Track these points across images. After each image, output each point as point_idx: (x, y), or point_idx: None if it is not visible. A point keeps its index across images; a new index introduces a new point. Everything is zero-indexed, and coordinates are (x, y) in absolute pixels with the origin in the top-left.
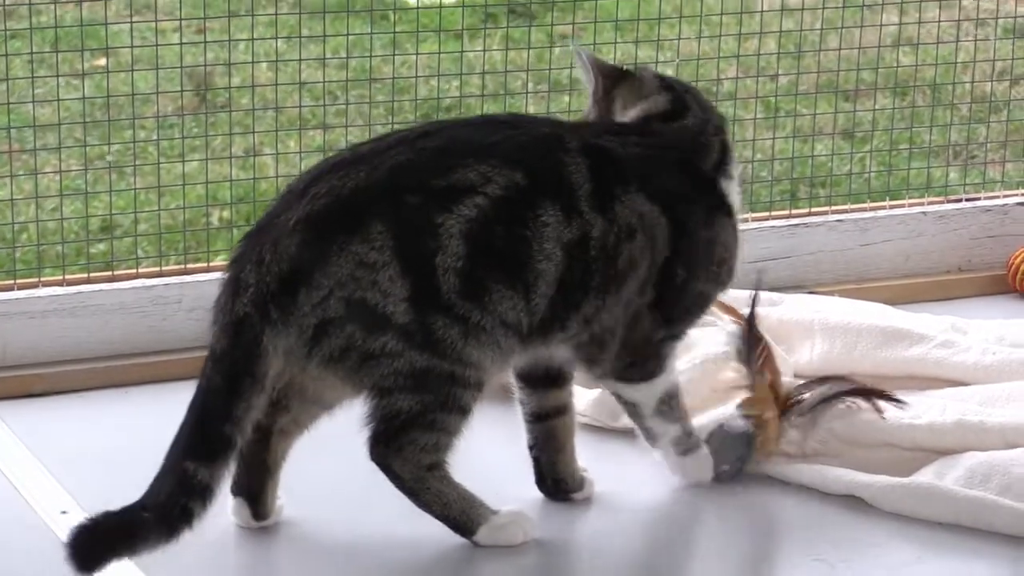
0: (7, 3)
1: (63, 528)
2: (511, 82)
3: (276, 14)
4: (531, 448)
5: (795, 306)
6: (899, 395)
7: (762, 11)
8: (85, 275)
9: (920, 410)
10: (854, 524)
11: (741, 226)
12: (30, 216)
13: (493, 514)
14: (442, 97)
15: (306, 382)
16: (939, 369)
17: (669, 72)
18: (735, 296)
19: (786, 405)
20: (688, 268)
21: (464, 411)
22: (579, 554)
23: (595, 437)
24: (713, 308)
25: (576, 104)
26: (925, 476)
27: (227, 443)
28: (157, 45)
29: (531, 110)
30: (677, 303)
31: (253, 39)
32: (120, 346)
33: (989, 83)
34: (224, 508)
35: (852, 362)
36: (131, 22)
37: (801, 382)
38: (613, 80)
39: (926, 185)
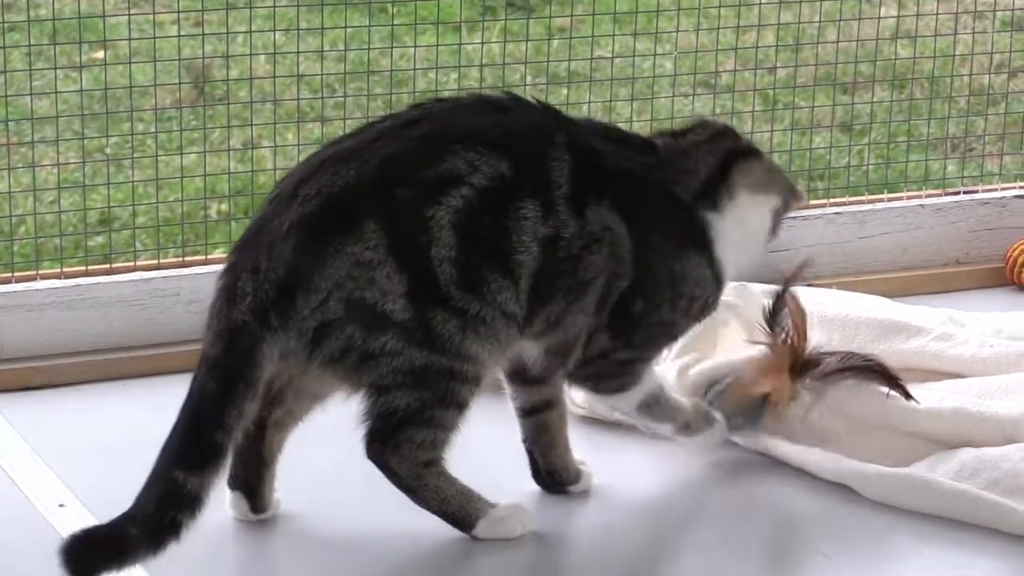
0: None
1: (61, 521)
2: (509, 75)
3: (274, 6)
4: (524, 441)
5: None
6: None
7: (760, 3)
8: (83, 268)
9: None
10: (852, 516)
11: (723, 258)
12: (28, 209)
13: (491, 508)
14: (440, 89)
15: (304, 380)
16: (937, 362)
17: (667, 65)
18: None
19: (804, 366)
20: (648, 300)
21: (462, 407)
22: (578, 546)
23: (593, 429)
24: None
25: (574, 97)
26: (919, 468)
27: (218, 451)
28: (155, 38)
29: None
30: (636, 330)
31: (251, 32)
32: (118, 339)
33: (987, 76)
34: (222, 502)
35: None
36: (129, 15)
37: (826, 350)
38: None
39: (924, 178)
